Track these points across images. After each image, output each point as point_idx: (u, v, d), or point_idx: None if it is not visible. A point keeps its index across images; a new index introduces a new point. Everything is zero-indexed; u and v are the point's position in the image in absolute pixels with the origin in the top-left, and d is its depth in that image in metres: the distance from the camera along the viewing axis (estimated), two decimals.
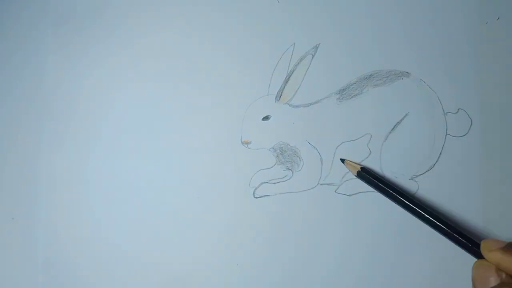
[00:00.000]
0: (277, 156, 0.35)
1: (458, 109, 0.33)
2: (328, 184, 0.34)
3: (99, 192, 0.37)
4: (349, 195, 0.34)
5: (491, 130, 0.33)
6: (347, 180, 0.34)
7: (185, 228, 0.36)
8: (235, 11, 0.36)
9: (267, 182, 0.35)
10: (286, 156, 0.35)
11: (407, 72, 0.34)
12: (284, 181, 0.35)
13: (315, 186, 0.34)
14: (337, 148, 0.34)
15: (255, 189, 0.35)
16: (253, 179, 0.35)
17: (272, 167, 0.35)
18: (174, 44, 0.37)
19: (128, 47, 0.37)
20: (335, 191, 0.34)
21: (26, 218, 0.38)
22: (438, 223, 0.30)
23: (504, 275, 0.26)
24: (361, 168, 0.33)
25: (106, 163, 0.37)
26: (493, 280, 0.26)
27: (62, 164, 0.38)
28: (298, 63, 0.35)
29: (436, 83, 0.33)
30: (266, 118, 0.35)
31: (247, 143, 0.35)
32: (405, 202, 0.31)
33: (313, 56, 0.35)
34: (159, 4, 0.37)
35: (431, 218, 0.30)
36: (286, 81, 0.35)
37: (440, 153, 0.33)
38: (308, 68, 0.35)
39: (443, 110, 0.33)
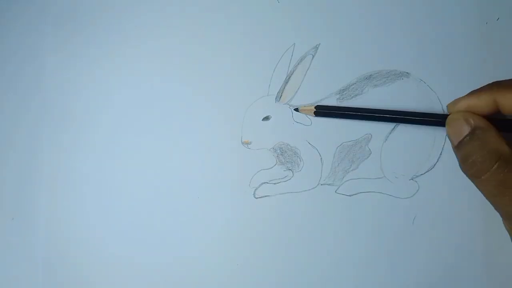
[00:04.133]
0: (277, 156, 0.35)
1: None
2: (328, 184, 0.34)
3: (99, 192, 0.37)
4: (349, 195, 0.34)
5: None
6: (347, 181, 0.34)
7: (185, 228, 0.36)
8: (235, 11, 0.36)
9: (267, 183, 0.35)
10: (286, 156, 0.35)
11: (407, 72, 0.34)
12: (284, 181, 0.35)
13: (316, 186, 0.34)
14: (337, 148, 0.34)
15: (255, 190, 0.35)
16: (254, 179, 0.35)
17: (272, 167, 0.35)
18: (174, 44, 0.37)
19: (128, 48, 0.37)
20: (335, 191, 0.34)
21: (26, 218, 0.38)
22: (404, 117, 0.31)
23: (473, 121, 0.27)
24: (315, 107, 0.34)
25: (106, 163, 0.37)
26: (466, 128, 0.27)
27: (62, 164, 0.38)
28: (298, 64, 0.35)
29: (436, 83, 0.33)
30: (266, 118, 0.35)
31: (248, 143, 0.35)
32: (366, 115, 0.32)
33: (313, 56, 0.35)
34: (159, 5, 0.37)
35: (397, 116, 0.32)
36: (286, 81, 0.35)
37: (441, 153, 0.33)
38: (308, 69, 0.35)
39: (443, 110, 0.33)
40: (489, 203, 0.30)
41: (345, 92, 0.34)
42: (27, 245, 0.38)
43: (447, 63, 0.33)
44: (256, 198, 0.35)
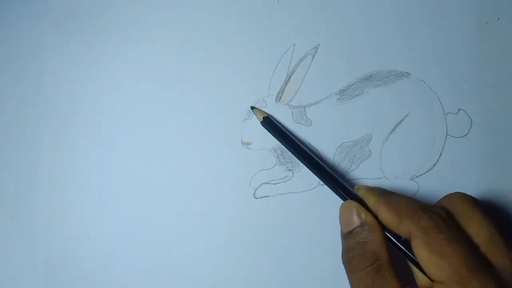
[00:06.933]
0: (277, 156, 0.35)
1: (458, 109, 0.33)
2: None
3: (99, 193, 0.37)
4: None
5: (491, 130, 0.33)
6: (347, 181, 0.34)
7: (185, 229, 0.35)
8: (235, 12, 0.36)
9: (267, 183, 0.35)
10: (286, 156, 0.35)
11: (407, 73, 0.34)
12: (284, 181, 0.35)
13: (316, 187, 0.34)
14: (337, 148, 0.34)
15: (255, 190, 0.35)
16: (254, 179, 0.35)
17: (272, 167, 0.35)
18: (175, 45, 0.37)
19: (128, 48, 0.37)
20: None
21: (27, 218, 0.38)
22: (322, 175, 0.31)
23: (363, 215, 0.27)
24: (267, 115, 0.34)
25: (106, 163, 0.37)
26: (356, 220, 0.27)
27: (62, 164, 0.38)
28: (298, 64, 0.35)
29: (436, 84, 0.33)
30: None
31: (248, 143, 0.35)
32: (297, 154, 0.32)
33: (313, 56, 0.35)
34: (159, 5, 0.37)
35: (317, 170, 0.31)
36: (286, 81, 0.35)
37: (441, 154, 0.33)
38: (308, 69, 0.35)
39: (443, 111, 0.33)
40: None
41: (345, 92, 0.34)
42: (27, 245, 0.38)
43: (447, 63, 0.33)
44: (256, 198, 0.35)
